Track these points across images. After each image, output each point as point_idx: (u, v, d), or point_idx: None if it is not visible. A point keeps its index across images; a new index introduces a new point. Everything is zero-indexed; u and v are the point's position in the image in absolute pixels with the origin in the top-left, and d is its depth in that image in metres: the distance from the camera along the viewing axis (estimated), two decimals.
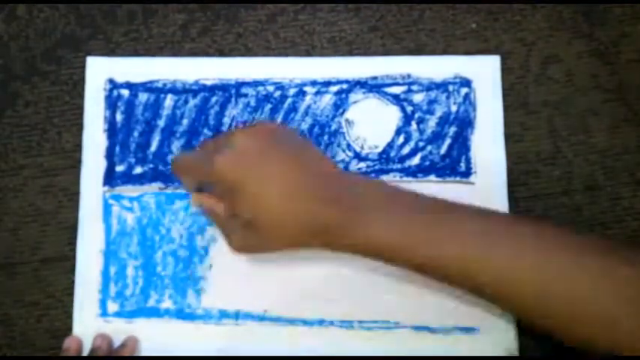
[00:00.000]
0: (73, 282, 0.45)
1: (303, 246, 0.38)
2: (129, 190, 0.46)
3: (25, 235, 0.46)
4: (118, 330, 0.45)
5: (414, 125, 0.47)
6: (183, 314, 0.45)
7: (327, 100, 0.47)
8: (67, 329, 0.45)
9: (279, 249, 0.39)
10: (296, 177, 0.37)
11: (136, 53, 0.48)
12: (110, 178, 0.46)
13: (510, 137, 0.47)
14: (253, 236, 0.38)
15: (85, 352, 0.44)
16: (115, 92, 0.47)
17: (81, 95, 0.48)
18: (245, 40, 0.48)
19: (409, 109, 0.47)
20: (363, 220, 0.36)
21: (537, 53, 0.48)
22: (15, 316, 0.46)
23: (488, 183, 0.46)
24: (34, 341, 0.45)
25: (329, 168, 0.38)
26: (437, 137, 0.47)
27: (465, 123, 0.47)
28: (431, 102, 0.47)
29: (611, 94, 0.47)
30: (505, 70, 0.47)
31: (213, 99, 0.47)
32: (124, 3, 0.49)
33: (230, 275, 0.45)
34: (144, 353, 0.44)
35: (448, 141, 0.47)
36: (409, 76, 0.47)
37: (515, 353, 0.43)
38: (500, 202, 0.45)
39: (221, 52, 0.48)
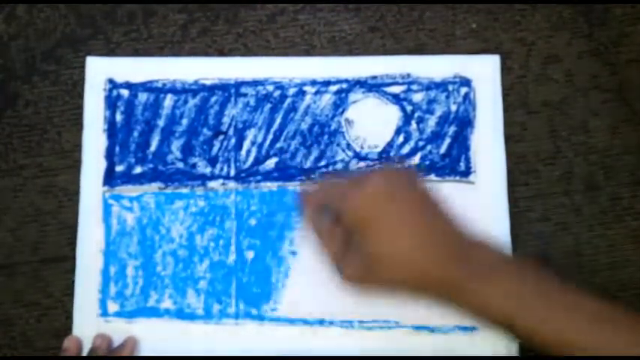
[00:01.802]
0: (73, 282, 0.45)
1: (415, 291, 0.38)
2: (129, 190, 0.46)
3: (25, 235, 0.46)
4: (118, 330, 0.45)
5: (413, 125, 0.47)
6: (183, 314, 0.45)
7: (327, 99, 0.47)
8: (67, 329, 0.45)
9: (392, 288, 0.39)
10: (427, 226, 0.37)
11: (136, 53, 0.48)
12: (110, 178, 0.46)
13: (510, 137, 0.47)
14: (370, 271, 0.38)
15: (85, 352, 0.44)
16: (115, 92, 0.47)
17: (81, 95, 0.48)
18: (245, 40, 0.48)
19: (409, 108, 0.47)
20: (482, 286, 0.36)
21: (537, 53, 0.48)
22: (15, 316, 0.46)
23: (487, 182, 0.46)
24: (34, 341, 0.45)
25: (456, 225, 0.38)
26: (437, 137, 0.47)
27: (464, 122, 0.47)
28: (430, 101, 0.47)
29: (611, 94, 0.47)
30: (505, 70, 0.48)
31: (213, 99, 0.47)
32: (124, 3, 0.49)
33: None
34: (144, 353, 0.44)
35: (448, 140, 0.47)
36: (409, 75, 0.47)
37: (515, 353, 0.43)
38: (499, 202, 0.46)
39: (221, 52, 0.48)
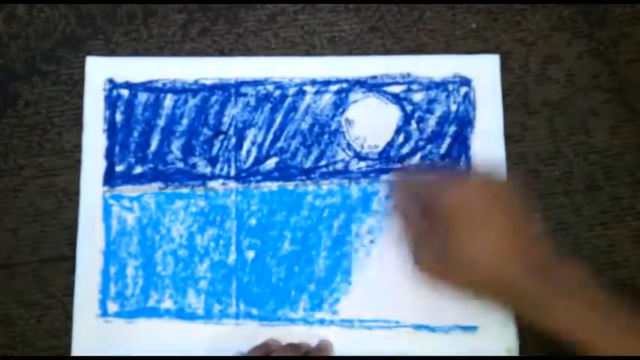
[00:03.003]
0: (73, 282, 0.45)
1: (488, 296, 0.39)
2: (129, 190, 0.46)
3: (25, 235, 0.46)
4: (118, 330, 0.45)
5: (413, 124, 0.47)
6: (183, 314, 0.45)
7: (327, 99, 0.47)
8: (67, 329, 0.45)
9: (465, 289, 0.39)
10: (516, 237, 0.38)
11: (136, 53, 0.48)
12: (110, 178, 0.46)
13: (510, 137, 0.47)
14: (449, 268, 0.38)
15: (89, 353, 0.44)
16: (115, 92, 0.47)
17: (81, 95, 0.48)
18: (245, 40, 0.48)
19: (409, 108, 0.47)
20: (561, 303, 0.36)
21: (537, 53, 0.48)
22: (15, 316, 0.46)
23: None
24: (34, 341, 0.45)
25: (543, 241, 0.39)
26: (437, 136, 0.47)
27: (464, 122, 0.47)
28: (431, 101, 0.47)
29: (611, 94, 0.47)
30: (505, 70, 0.48)
31: (213, 98, 0.47)
32: (124, 3, 0.49)
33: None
34: (144, 353, 0.44)
35: (448, 140, 0.47)
36: (409, 75, 0.47)
37: (515, 352, 0.43)
38: None
39: (221, 52, 0.48)
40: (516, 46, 0.48)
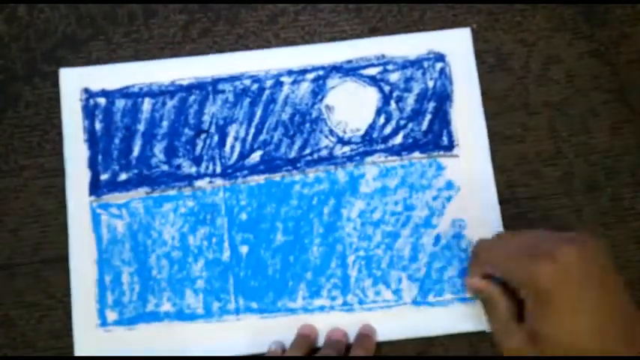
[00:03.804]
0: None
1: None
2: (116, 198, 0.46)
3: (26, 235, 0.46)
4: (120, 338, 0.44)
5: (393, 104, 0.47)
6: (183, 315, 0.45)
7: (305, 88, 0.47)
8: (68, 330, 0.45)
9: None
10: (611, 315, 0.35)
11: (136, 54, 0.48)
12: (95, 187, 0.46)
13: (511, 138, 0.47)
14: (532, 351, 0.36)
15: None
16: (92, 101, 0.47)
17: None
18: (246, 41, 0.48)
19: (387, 88, 0.47)
20: None
21: (538, 54, 0.48)
22: (15, 317, 0.46)
23: (471, 154, 0.46)
24: (35, 342, 0.45)
25: (632, 308, 0.36)
26: (417, 114, 0.47)
27: (443, 97, 0.47)
28: (407, 80, 0.47)
29: (612, 94, 0.47)
30: (506, 71, 0.48)
31: (191, 98, 0.47)
32: (125, 3, 0.49)
33: None
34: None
35: (428, 116, 0.47)
36: (383, 56, 0.47)
37: None
38: (485, 172, 0.46)
39: (222, 53, 0.48)
40: (517, 47, 0.48)
